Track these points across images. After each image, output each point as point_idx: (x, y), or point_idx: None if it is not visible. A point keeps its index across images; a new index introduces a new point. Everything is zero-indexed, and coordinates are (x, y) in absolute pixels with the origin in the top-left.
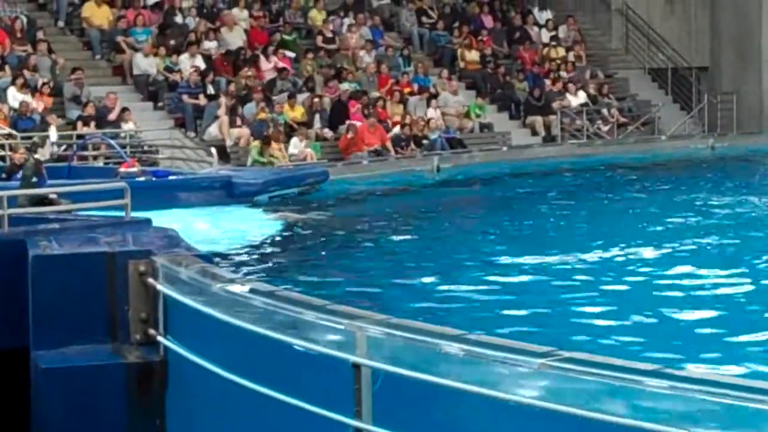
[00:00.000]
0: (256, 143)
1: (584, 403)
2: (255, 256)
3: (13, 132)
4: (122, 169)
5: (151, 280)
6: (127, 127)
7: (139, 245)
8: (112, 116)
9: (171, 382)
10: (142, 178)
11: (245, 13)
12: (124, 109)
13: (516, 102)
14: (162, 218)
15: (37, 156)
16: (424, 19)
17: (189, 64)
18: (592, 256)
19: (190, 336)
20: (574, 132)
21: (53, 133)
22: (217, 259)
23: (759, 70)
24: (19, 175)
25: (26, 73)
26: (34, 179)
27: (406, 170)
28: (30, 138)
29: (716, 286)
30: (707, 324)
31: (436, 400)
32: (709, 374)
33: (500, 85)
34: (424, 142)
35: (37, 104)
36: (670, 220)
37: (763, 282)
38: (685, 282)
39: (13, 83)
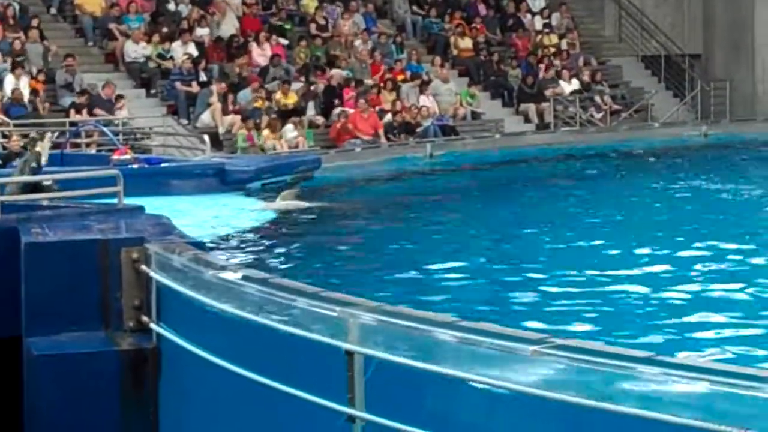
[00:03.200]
0: (242, 131)
1: (577, 390)
2: (248, 244)
3: (6, 119)
4: (115, 157)
5: (143, 268)
6: (121, 114)
7: (132, 232)
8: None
9: (164, 369)
10: (134, 166)
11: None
12: (118, 97)
13: (509, 89)
14: (154, 205)
15: (37, 149)
16: (416, 6)
17: (182, 51)
18: (585, 243)
19: (183, 323)
20: (567, 119)
21: (44, 157)
22: (209, 247)
23: (752, 58)
24: (15, 163)
25: (18, 59)
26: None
27: (399, 157)
28: (23, 125)
29: (709, 272)
30: (700, 310)
31: (429, 387)
32: (701, 361)
33: (493, 73)
34: (417, 129)
35: (29, 91)
36: (662, 206)
37: (757, 268)
38: (678, 269)
39: (12, 71)
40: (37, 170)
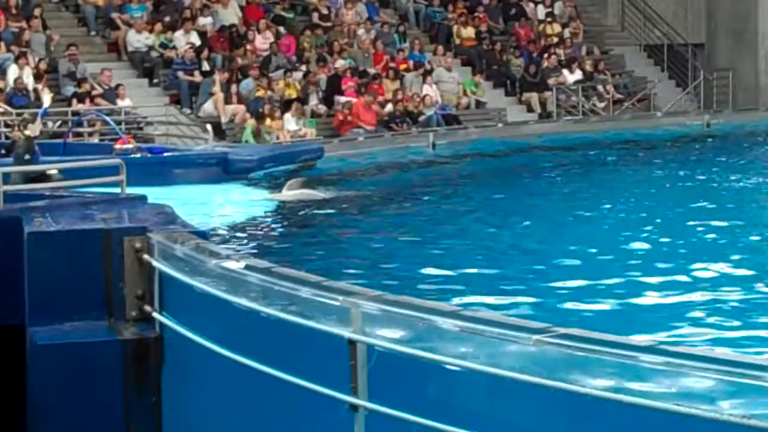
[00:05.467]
0: (251, 122)
1: (579, 379)
2: (250, 233)
3: (9, 109)
4: (117, 146)
5: (146, 257)
6: (123, 103)
7: (135, 222)
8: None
9: (166, 358)
10: (137, 155)
11: None
12: (119, 86)
13: (512, 78)
14: (157, 195)
15: (27, 132)
16: None
17: (184, 40)
18: (588, 233)
19: (185, 312)
20: (570, 108)
21: (47, 101)
22: (212, 236)
23: (754, 47)
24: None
25: (22, 49)
26: (27, 156)
27: (401, 147)
28: (21, 114)
29: (712, 261)
30: (701, 299)
31: (431, 377)
32: (703, 350)
33: (496, 62)
34: (420, 118)
35: (33, 80)
36: (665, 196)
37: (759, 257)
38: (680, 258)
39: (16, 60)
40: (32, 159)
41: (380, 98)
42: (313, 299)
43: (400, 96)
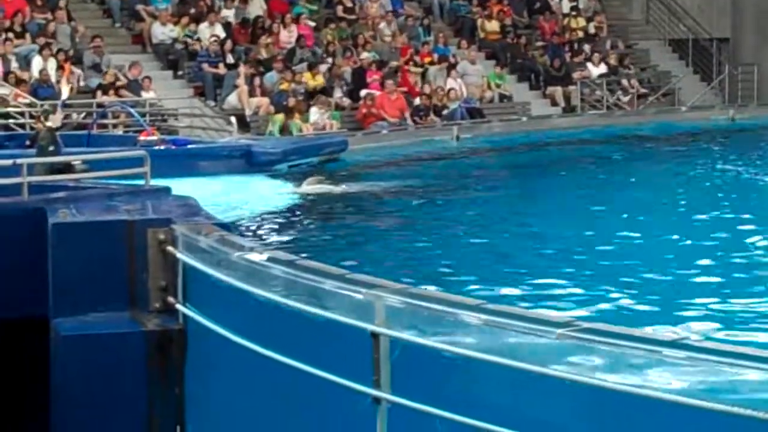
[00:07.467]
0: (280, 116)
1: (603, 373)
2: (274, 225)
3: (34, 100)
4: (142, 138)
5: (170, 249)
6: (147, 95)
7: (159, 213)
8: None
9: (190, 349)
10: (161, 147)
11: None
12: (144, 78)
13: (536, 72)
14: (181, 187)
15: (49, 123)
16: None
17: (209, 32)
18: (611, 227)
19: (209, 304)
20: (594, 103)
21: (65, 92)
22: (235, 228)
23: None
24: (44, 143)
25: (47, 40)
26: (51, 147)
27: (425, 140)
28: (41, 105)
29: (736, 256)
30: (726, 295)
31: (454, 370)
32: (728, 345)
33: (520, 56)
34: (444, 112)
35: (57, 72)
36: (689, 190)
37: None
38: (705, 253)
39: (40, 52)
40: (56, 150)
41: (403, 89)
42: (337, 292)
43: (427, 90)
